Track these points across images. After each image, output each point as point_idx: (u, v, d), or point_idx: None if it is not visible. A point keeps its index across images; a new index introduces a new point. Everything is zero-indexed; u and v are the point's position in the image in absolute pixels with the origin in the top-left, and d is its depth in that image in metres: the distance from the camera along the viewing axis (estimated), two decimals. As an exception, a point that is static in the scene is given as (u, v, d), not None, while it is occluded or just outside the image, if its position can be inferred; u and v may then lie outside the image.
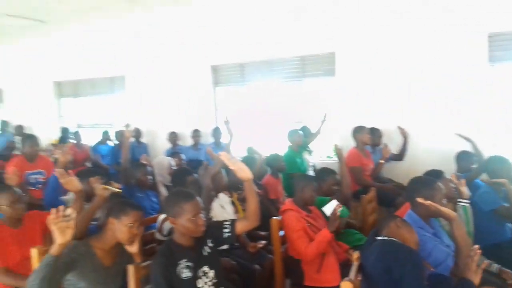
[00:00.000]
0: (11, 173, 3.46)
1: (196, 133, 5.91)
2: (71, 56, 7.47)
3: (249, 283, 2.84)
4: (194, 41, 6.16)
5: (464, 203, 2.51)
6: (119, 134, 6.09)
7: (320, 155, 5.63)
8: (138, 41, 6.68)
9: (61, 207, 1.81)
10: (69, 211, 1.82)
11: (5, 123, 8.16)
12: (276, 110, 5.91)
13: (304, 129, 5.17)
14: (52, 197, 3.16)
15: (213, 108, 6.26)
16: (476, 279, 1.73)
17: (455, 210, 2.45)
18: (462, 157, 3.91)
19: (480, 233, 2.95)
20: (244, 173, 2.05)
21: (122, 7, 5.73)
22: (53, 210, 1.79)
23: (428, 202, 2.06)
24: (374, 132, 4.72)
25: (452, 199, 2.60)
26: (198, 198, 2.08)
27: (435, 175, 2.70)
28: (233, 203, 3.53)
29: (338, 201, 2.80)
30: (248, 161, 4.01)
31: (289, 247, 2.76)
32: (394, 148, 4.75)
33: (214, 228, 2.14)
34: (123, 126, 3.77)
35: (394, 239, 1.86)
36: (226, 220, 2.18)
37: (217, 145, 5.62)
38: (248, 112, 6.15)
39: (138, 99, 6.88)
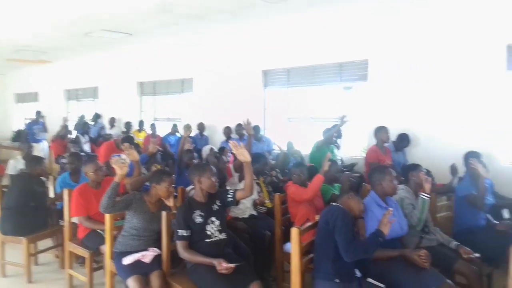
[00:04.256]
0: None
1: (239, 127, 6.84)
2: (151, 61, 8.94)
3: (259, 245, 3.66)
4: (248, 49, 7.11)
5: (424, 196, 3.02)
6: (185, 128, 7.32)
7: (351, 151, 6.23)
8: (203, 50, 7.83)
9: (118, 157, 2.95)
10: (123, 156, 2.98)
11: (97, 115, 9.94)
12: (318, 110, 6.62)
13: (335, 127, 5.77)
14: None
15: (262, 107, 7.16)
16: (385, 230, 2.38)
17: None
18: (470, 158, 4.26)
19: (457, 218, 3.50)
20: (243, 157, 2.86)
21: (192, 26, 6.96)
22: (114, 159, 2.92)
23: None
24: (402, 138, 5.18)
25: (420, 188, 3.12)
26: (213, 167, 3.00)
27: (413, 167, 3.29)
28: (258, 184, 4.37)
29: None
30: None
31: (292, 213, 3.52)
32: (417, 150, 5.22)
33: (221, 193, 3.01)
34: (184, 127, 4.78)
35: (339, 205, 2.57)
36: (230, 189, 3.04)
37: (258, 140, 6.50)
38: (292, 111, 6.95)
39: (202, 98, 8.04)
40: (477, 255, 2.91)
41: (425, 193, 3.04)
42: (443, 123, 5.13)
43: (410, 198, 3.15)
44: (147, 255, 2.94)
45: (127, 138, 5.35)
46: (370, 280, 2.52)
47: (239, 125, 6.85)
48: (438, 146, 5.13)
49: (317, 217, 2.69)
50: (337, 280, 2.37)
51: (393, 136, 5.17)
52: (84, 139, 7.62)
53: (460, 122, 5.00)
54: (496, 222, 3.47)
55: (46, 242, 4.32)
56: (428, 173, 3.73)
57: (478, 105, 4.86)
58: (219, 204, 2.97)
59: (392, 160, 5.00)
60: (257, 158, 4.47)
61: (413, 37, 5.30)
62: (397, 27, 5.42)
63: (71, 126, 9.07)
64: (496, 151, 4.76)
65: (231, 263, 2.60)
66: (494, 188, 3.83)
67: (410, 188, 3.25)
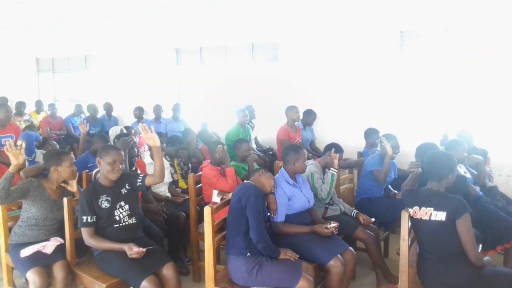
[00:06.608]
0: None
1: (156, 108, 6.60)
2: (49, 34, 8.06)
3: (174, 226, 3.61)
4: (161, 26, 6.81)
5: (332, 171, 3.26)
6: (91, 108, 6.84)
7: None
8: (109, 25, 7.29)
9: (12, 141, 2.60)
10: (19, 142, 2.63)
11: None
12: (231, 90, 6.62)
13: (249, 107, 5.85)
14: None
15: (176, 86, 6.97)
16: (282, 255, 2.49)
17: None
18: (369, 134, 4.62)
19: (359, 188, 3.81)
20: (152, 141, 2.74)
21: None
22: (7, 143, 2.57)
23: None
24: (309, 113, 5.44)
25: (330, 166, 3.32)
26: (122, 152, 2.81)
27: (330, 147, 3.45)
28: (172, 165, 4.28)
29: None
30: (186, 132, 4.88)
31: (206, 195, 3.51)
32: (323, 128, 5.55)
33: (131, 176, 2.87)
34: (80, 124, 4.70)
35: (251, 182, 2.63)
36: (141, 173, 2.91)
37: (175, 119, 6.37)
38: (206, 91, 6.86)
39: (110, 77, 7.52)
40: (373, 219, 3.24)
41: (333, 168, 3.26)
42: (346, 101, 5.53)
43: (319, 172, 3.34)
44: (48, 246, 2.72)
45: None
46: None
47: (157, 106, 6.62)
48: (342, 123, 5.52)
49: (230, 195, 2.72)
50: (248, 254, 2.45)
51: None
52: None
53: (361, 100, 5.43)
54: (396, 191, 3.81)
55: None
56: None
57: (376, 83, 5.32)
58: (128, 187, 2.83)
59: (301, 137, 5.25)
60: (172, 140, 4.41)
61: (318, 23, 5.57)
62: (305, 14, 5.64)
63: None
64: (392, 128, 5.25)
65: (142, 247, 2.52)
66: (396, 166, 4.12)
67: (319, 163, 3.45)
